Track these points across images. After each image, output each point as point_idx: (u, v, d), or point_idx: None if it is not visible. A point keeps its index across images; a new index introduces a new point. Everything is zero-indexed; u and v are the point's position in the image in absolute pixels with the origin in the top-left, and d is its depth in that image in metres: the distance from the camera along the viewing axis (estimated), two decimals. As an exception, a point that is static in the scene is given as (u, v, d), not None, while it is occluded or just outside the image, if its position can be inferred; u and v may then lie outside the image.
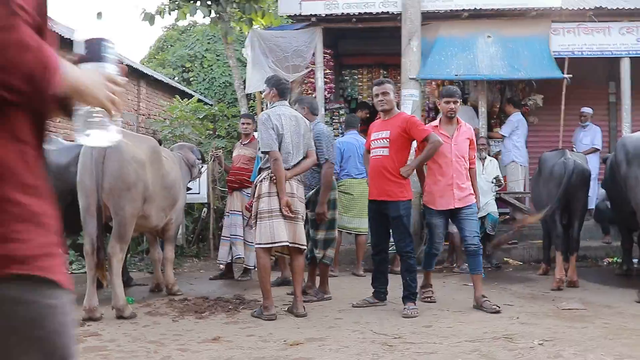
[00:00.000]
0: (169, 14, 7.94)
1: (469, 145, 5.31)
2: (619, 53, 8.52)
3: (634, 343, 3.95)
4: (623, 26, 8.47)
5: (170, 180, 5.67)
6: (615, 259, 7.55)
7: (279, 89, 5.11)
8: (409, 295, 4.97)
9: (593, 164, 7.99)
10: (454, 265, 7.45)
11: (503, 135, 8.61)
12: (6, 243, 1.10)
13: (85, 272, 7.61)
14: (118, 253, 5.01)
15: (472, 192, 5.27)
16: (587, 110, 8.73)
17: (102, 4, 24.80)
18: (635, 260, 6.84)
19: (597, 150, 8.65)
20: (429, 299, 5.40)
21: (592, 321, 4.63)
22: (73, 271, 7.86)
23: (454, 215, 5.26)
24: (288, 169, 4.87)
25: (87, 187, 4.95)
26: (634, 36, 8.48)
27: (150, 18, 7.82)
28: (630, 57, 8.45)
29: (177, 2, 7.70)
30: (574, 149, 8.05)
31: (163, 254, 6.10)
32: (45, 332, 1.16)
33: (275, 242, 4.82)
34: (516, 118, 8.61)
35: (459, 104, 5.40)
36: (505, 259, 7.84)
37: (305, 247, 5.05)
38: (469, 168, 5.32)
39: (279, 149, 4.83)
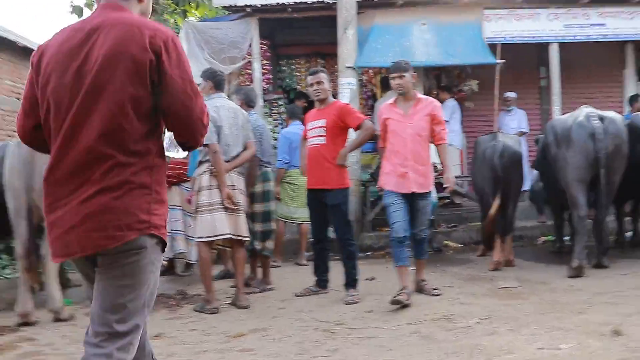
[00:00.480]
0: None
1: (433, 120, 4.89)
2: (548, 39, 8.82)
3: (564, 316, 4.13)
4: (551, 12, 8.76)
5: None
6: (550, 237, 7.85)
7: (215, 81, 5.07)
8: (351, 281, 5.03)
9: (523, 147, 8.24)
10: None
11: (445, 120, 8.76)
12: (150, 215, 1.92)
13: (18, 277, 7.40)
14: None
15: (431, 177, 5.06)
16: (510, 94, 8.90)
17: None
18: (566, 238, 7.13)
19: (524, 133, 8.92)
20: (398, 302, 4.57)
21: (527, 298, 4.81)
22: (6, 276, 7.57)
23: (410, 201, 4.88)
24: (228, 161, 4.84)
25: (16, 188, 4.77)
26: (561, 22, 8.79)
27: (79, 11, 7.56)
28: (558, 43, 8.75)
29: (106, -6, 7.47)
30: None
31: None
32: (154, 273, 1.98)
33: (216, 235, 4.79)
34: (451, 103, 8.80)
35: (407, 77, 4.87)
36: (445, 242, 8.03)
37: (247, 239, 5.04)
38: (438, 144, 4.99)
39: (218, 142, 4.79)
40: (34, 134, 2.06)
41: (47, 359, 3.76)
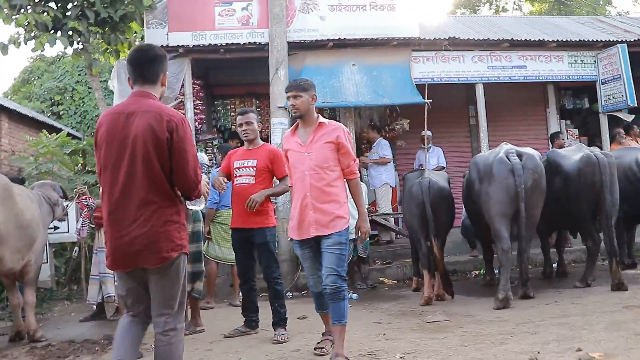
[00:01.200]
0: (25, 43, 7.54)
1: (339, 149, 4.09)
2: (473, 79, 9.21)
3: (485, 347, 4.23)
4: (475, 55, 9.19)
5: (26, 219, 5.34)
6: (482, 271, 8.04)
7: None
8: (279, 321, 5.00)
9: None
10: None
11: (371, 162, 8.92)
12: (181, 240, 3.03)
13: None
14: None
15: (341, 214, 4.06)
16: (427, 133, 9.04)
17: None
18: (497, 271, 7.32)
19: (443, 168, 9.14)
20: (320, 351, 4.36)
21: (452, 331, 4.90)
22: None
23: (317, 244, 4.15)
24: None
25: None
26: (485, 64, 9.22)
27: (3, 48, 7.39)
28: (483, 83, 9.15)
29: (32, 32, 7.33)
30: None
31: (23, 298, 5.69)
32: (184, 273, 3.12)
33: None
34: (383, 142, 9.01)
35: (304, 98, 4.10)
36: (380, 278, 8.11)
37: None
38: (349, 180, 4.18)
39: None
40: None
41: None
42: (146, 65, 3.09)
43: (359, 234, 4.22)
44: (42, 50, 7.46)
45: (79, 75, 15.47)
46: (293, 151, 4.22)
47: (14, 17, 7.24)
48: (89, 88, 15.27)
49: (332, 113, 9.55)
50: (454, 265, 8.28)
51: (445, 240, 6.69)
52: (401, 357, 4.12)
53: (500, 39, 9.26)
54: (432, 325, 5.19)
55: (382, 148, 9.10)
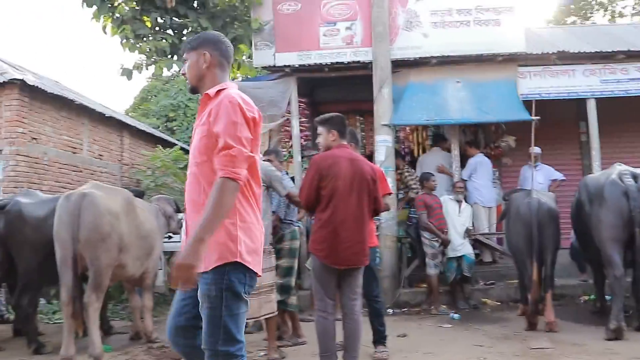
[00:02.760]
0: (146, 69, 8.18)
1: (209, 135, 2.52)
2: (584, 94, 8.79)
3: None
4: (587, 68, 8.79)
5: (146, 230, 5.79)
6: (591, 296, 7.65)
7: None
8: (379, 339, 5.05)
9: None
10: (432, 307, 7.51)
11: (463, 179, 8.76)
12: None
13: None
14: (94, 302, 5.09)
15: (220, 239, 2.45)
16: (536, 150, 8.65)
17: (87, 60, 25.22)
18: (608, 297, 6.95)
19: (563, 181, 8.77)
20: None
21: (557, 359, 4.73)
22: (56, 321, 7.87)
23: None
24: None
25: (63, 239, 5.09)
26: (597, 77, 8.79)
27: (128, 73, 8.06)
28: (595, 98, 8.73)
29: (153, 58, 7.95)
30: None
31: (142, 302, 6.17)
32: None
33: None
34: (475, 160, 8.78)
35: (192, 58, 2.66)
36: (483, 299, 7.94)
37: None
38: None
39: None
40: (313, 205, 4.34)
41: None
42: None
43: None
44: (160, 75, 8.03)
45: (192, 92, 16.42)
46: None
47: (138, 45, 7.89)
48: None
49: (437, 128, 9.54)
50: (562, 289, 7.92)
51: (555, 262, 6.43)
52: (503, 383, 4.05)
53: (615, 50, 8.80)
54: (537, 352, 5.05)
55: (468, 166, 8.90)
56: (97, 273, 5.13)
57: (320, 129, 4.53)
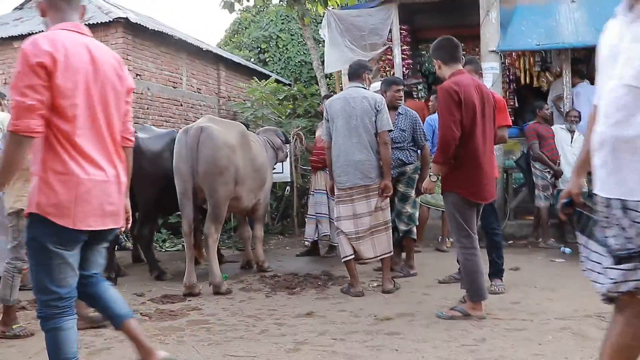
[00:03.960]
0: (247, 0, 8.14)
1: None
2: None
3: None
4: None
5: (259, 163, 5.91)
6: None
7: (349, 71, 5.27)
8: (496, 272, 4.97)
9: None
10: (539, 240, 7.32)
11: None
12: None
13: (176, 250, 8.16)
14: (213, 233, 5.30)
15: None
16: None
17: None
18: None
19: None
20: None
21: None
22: (167, 249, 8.37)
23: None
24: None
25: (183, 172, 5.27)
26: None
27: (229, 6, 8.06)
28: None
29: (252, -11, 7.89)
30: None
31: (252, 232, 6.39)
32: None
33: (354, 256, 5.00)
34: (578, 89, 8.17)
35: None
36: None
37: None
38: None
39: (330, 136, 5.04)
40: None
41: (213, 328, 4.12)
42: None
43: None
44: (264, 8, 7.96)
45: (282, 23, 16.27)
46: None
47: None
48: (292, 35, 16.03)
49: (541, 54, 8.97)
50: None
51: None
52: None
53: None
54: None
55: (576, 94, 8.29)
56: (216, 205, 5.31)
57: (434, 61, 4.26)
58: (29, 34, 10.13)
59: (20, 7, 12.71)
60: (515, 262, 5.98)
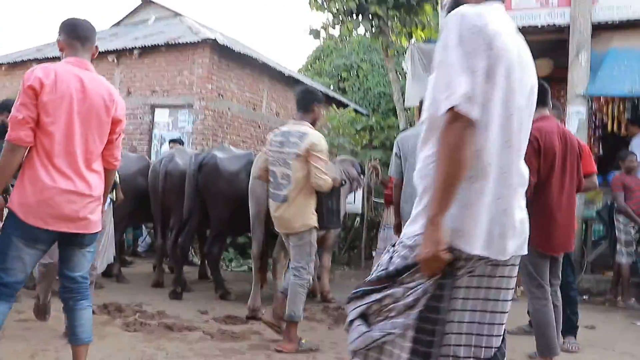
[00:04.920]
0: (333, 28, 8.28)
1: None
2: None
3: None
4: None
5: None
6: None
7: None
8: (569, 328, 4.71)
9: None
10: (619, 299, 6.90)
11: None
12: None
13: (242, 271, 8.25)
14: (282, 259, 5.31)
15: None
16: None
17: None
18: None
19: None
20: None
21: None
22: (233, 269, 8.48)
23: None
24: None
25: (259, 195, 5.31)
26: None
27: (315, 33, 8.22)
28: None
29: (340, 18, 8.00)
30: None
31: (320, 262, 6.34)
32: None
33: None
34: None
35: None
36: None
37: None
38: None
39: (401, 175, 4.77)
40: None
41: (273, 355, 4.11)
42: None
43: None
44: (349, 36, 8.09)
45: (364, 53, 16.42)
46: None
47: (326, 5, 7.98)
48: (373, 66, 16.13)
49: (633, 102, 8.56)
50: None
51: None
52: None
53: None
54: None
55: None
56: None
57: None
58: (123, 50, 10.79)
59: (117, 24, 13.47)
60: (591, 319, 5.67)
